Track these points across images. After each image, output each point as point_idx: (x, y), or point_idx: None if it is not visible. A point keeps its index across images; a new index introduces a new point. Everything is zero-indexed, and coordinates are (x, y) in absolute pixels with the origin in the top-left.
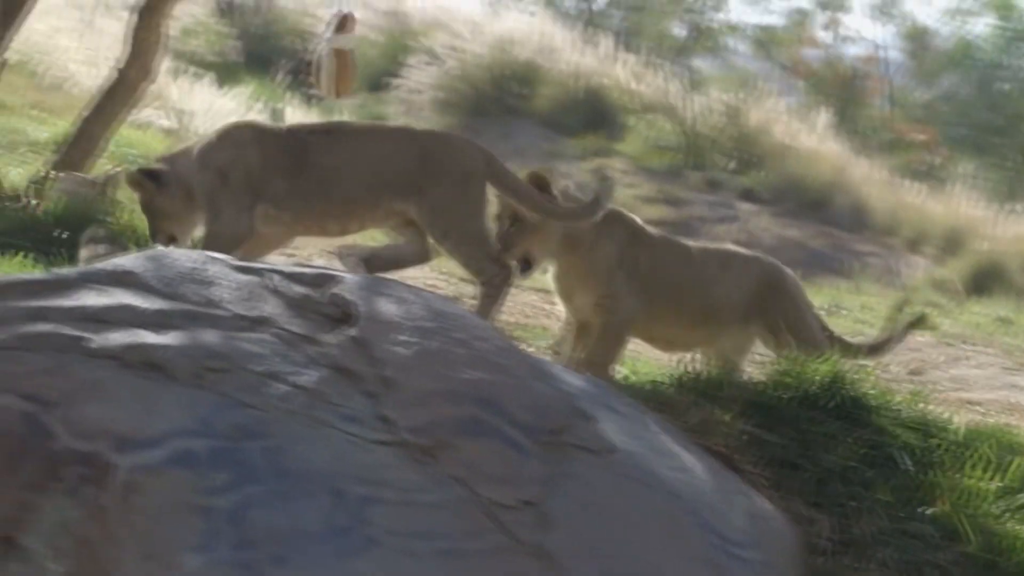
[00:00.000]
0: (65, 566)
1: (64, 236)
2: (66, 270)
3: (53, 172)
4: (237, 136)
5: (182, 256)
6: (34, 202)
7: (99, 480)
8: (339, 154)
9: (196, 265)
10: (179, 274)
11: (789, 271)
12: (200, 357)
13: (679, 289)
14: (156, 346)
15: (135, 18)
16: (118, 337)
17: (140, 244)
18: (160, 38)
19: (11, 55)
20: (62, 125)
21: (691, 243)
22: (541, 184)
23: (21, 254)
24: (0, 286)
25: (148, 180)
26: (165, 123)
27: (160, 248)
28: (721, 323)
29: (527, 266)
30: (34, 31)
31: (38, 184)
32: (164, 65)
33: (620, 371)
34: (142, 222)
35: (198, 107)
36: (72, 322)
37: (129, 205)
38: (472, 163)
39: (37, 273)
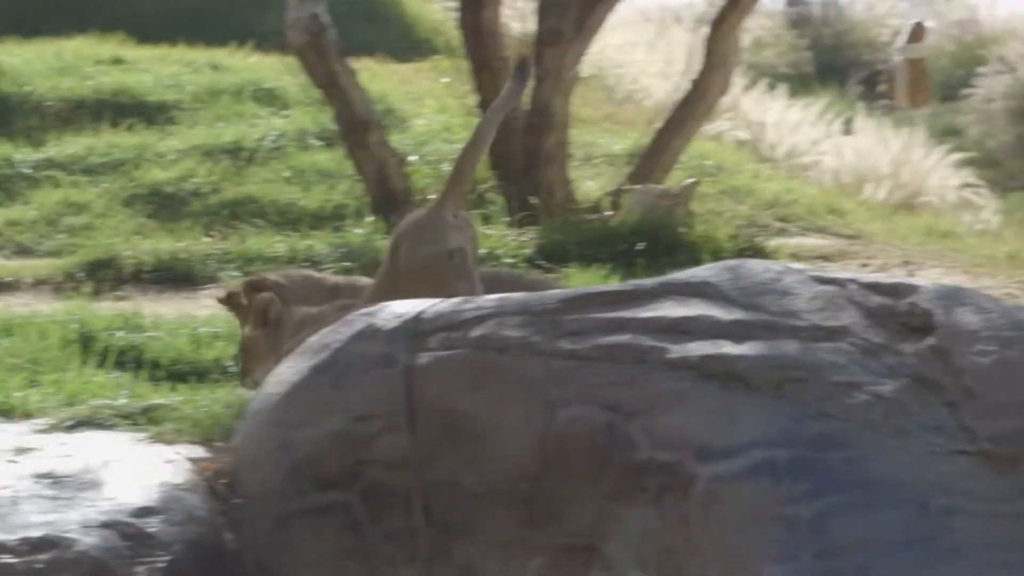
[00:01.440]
0: (648, 575)
1: (640, 247)
2: (644, 281)
3: (628, 184)
4: None
5: (759, 267)
6: (610, 213)
7: (680, 489)
8: None
9: (774, 276)
10: (757, 284)
11: None
12: (779, 367)
13: None
14: (735, 356)
15: (708, 30)
16: (697, 347)
17: (717, 256)
18: (734, 50)
19: (585, 69)
20: (635, 137)
21: None
22: None
23: (598, 265)
24: (580, 297)
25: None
26: (738, 135)
27: (738, 260)
28: None
29: None
30: (607, 45)
31: (614, 196)
32: (737, 77)
33: None
34: (718, 232)
35: (770, 119)
36: (650, 332)
37: (704, 216)
38: None
39: (615, 284)
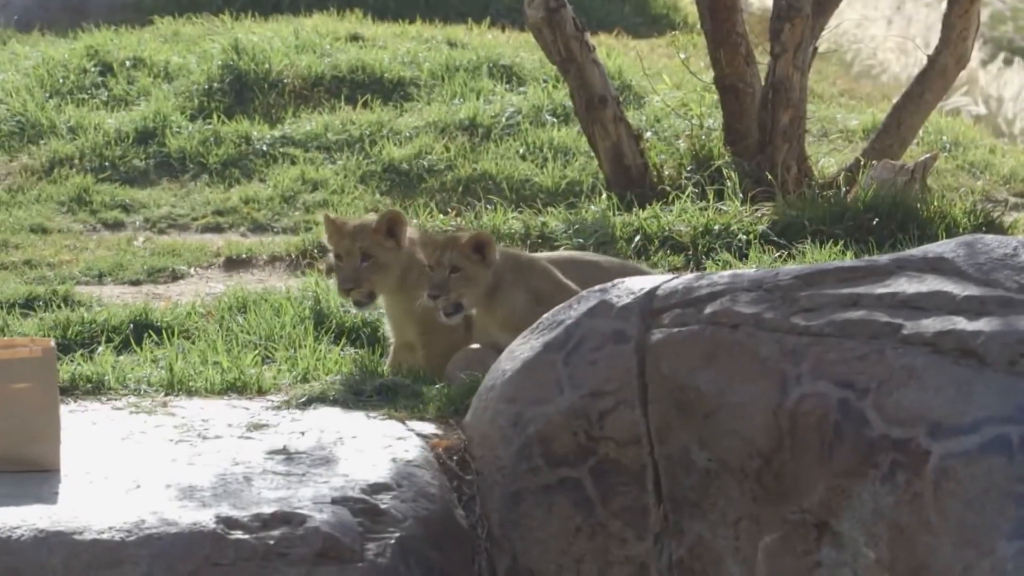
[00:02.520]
0: (878, 552)
1: (876, 223)
2: (879, 257)
3: (864, 160)
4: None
5: (995, 242)
6: (846, 189)
7: (913, 467)
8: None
9: (1010, 251)
10: (993, 260)
11: None
12: (1015, 343)
13: None
14: (970, 333)
15: (946, 5)
16: (931, 324)
17: (950, 232)
18: (972, 25)
19: (822, 44)
20: (872, 113)
21: None
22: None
23: (832, 241)
24: (815, 273)
25: (476, 252)
26: (975, 110)
27: (974, 235)
28: None
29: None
30: (845, 20)
31: (850, 172)
32: (975, 51)
33: None
34: (954, 208)
35: (1008, 94)
36: (885, 308)
37: (939, 191)
38: None
39: (850, 260)
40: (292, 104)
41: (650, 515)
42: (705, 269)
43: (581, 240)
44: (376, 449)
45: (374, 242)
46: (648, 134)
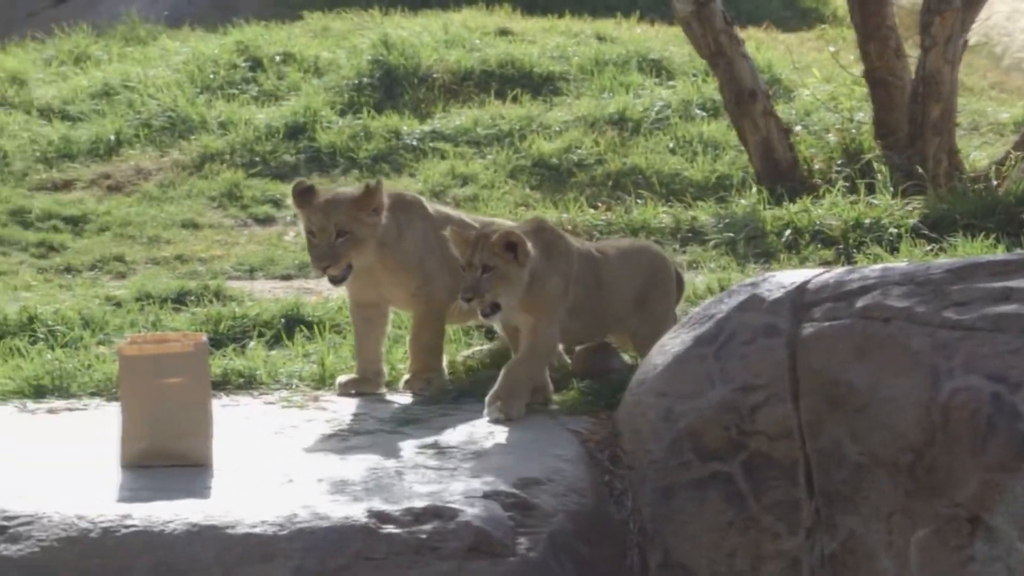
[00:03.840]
0: None
1: None
2: None
3: (1015, 153)
4: (571, 251)
5: None
6: (996, 183)
7: None
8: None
9: None
10: None
11: None
12: None
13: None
14: None
15: None
16: None
17: None
18: None
19: (972, 36)
20: (1023, 106)
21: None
22: None
23: (984, 235)
24: (966, 267)
25: (508, 251)
26: None
27: None
28: None
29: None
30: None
31: (1000, 165)
32: None
33: None
34: None
35: None
36: None
37: None
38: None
39: (1002, 254)
40: (441, 99)
41: (802, 509)
42: (856, 263)
43: (731, 234)
44: (527, 443)
45: (350, 217)
46: (798, 128)
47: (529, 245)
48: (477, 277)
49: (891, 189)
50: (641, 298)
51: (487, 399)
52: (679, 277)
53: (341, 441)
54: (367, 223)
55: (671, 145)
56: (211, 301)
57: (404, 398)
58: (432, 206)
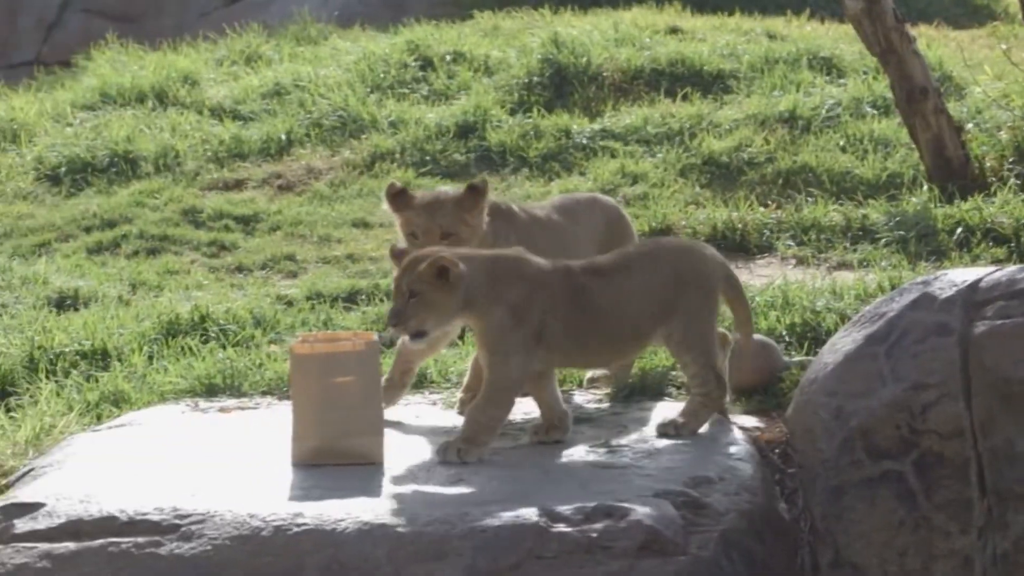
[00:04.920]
0: None
1: None
2: None
3: None
4: (532, 279)
5: None
6: None
7: None
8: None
9: None
10: None
11: None
12: None
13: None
14: None
15: None
16: None
17: None
18: None
19: None
20: None
21: None
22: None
23: None
24: None
25: (437, 276)
26: None
27: None
28: None
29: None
30: None
31: None
32: None
33: None
34: None
35: None
36: None
37: None
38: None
39: None
40: (611, 97)
41: (974, 508)
42: None
43: (902, 232)
44: (698, 442)
45: (455, 218)
46: (969, 125)
47: (462, 268)
48: (404, 302)
49: None
50: (669, 306)
51: (439, 447)
52: (726, 272)
53: (512, 440)
54: (472, 224)
55: (842, 143)
56: (382, 300)
57: (576, 397)
58: (523, 211)
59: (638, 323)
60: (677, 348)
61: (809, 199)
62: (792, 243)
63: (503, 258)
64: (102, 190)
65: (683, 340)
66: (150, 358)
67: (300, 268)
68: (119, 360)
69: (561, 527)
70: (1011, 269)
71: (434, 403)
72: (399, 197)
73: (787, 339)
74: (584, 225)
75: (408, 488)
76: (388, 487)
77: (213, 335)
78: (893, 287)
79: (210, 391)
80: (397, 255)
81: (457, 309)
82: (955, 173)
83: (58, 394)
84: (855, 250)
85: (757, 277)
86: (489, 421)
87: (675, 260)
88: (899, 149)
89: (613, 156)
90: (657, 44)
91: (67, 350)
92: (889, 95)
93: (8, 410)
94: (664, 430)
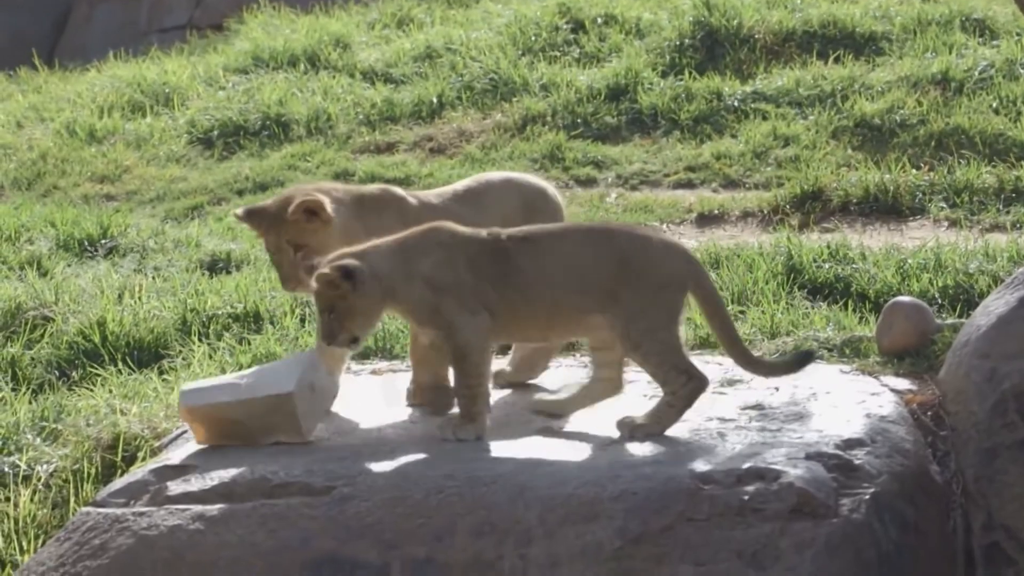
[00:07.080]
0: None
1: None
2: None
3: None
4: (444, 238)
5: None
6: None
7: None
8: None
9: None
10: None
11: None
12: None
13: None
14: None
15: None
16: None
17: None
18: None
19: None
20: None
21: None
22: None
23: None
24: None
25: (344, 280)
26: None
27: None
28: None
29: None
30: None
31: None
32: None
33: None
34: None
35: None
36: None
37: None
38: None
39: None
40: (763, 59)
41: None
42: None
43: None
44: (850, 404)
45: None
46: None
47: (361, 265)
48: (327, 319)
49: None
50: (609, 292)
51: (440, 423)
52: (696, 274)
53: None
54: (319, 230)
55: (995, 105)
56: None
57: (726, 360)
58: (417, 199)
59: (569, 298)
60: (623, 343)
61: (961, 161)
62: (944, 205)
63: (413, 233)
64: (254, 153)
65: (627, 335)
66: (302, 321)
67: None
68: (271, 323)
69: (712, 489)
70: None
71: (584, 365)
72: (248, 220)
73: (939, 301)
74: (491, 210)
75: (559, 451)
76: (539, 450)
77: None
78: None
79: (362, 354)
80: (308, 271)
81: (379, 303)
82: None
83: (211, 356)
84: (1008, 212)
85: (909, 239)
86: (469, 391)
87: (622, 245)
88: None
89: (765, 118)
90: (809, 6)
91: (219, 313)
92: None
93: (161, 372)
94: (620, 430)
